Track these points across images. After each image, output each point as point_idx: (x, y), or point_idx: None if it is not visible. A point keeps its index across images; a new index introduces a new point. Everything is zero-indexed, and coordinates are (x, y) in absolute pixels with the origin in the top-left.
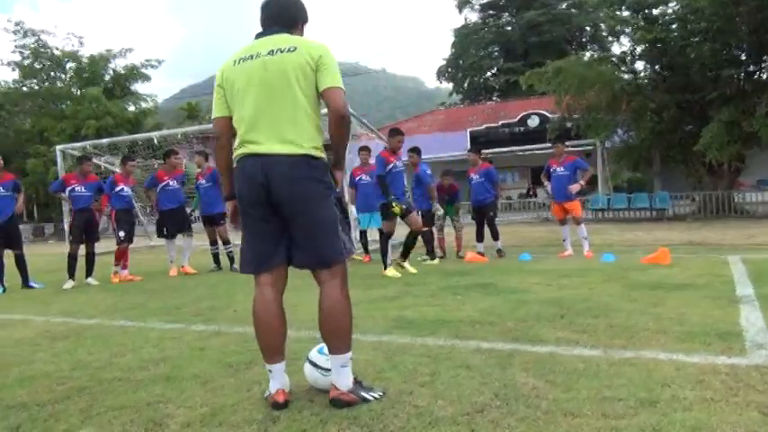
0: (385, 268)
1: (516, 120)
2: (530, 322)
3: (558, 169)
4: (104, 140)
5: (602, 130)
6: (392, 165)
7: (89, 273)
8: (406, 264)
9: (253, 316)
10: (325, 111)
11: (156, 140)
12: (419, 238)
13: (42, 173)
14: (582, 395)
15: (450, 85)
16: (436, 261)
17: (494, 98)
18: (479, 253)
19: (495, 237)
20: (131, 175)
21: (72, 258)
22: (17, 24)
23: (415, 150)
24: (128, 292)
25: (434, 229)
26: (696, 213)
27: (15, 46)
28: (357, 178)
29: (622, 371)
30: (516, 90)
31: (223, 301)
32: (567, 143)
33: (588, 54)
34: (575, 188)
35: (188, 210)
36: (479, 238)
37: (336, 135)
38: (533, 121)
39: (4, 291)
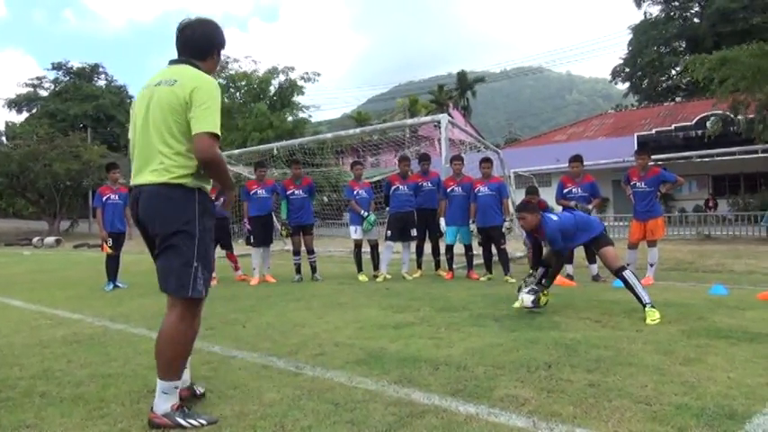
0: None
1: (693, 123)
2: (504, 370)
3: (638, 184)
4: (236, 151)
5: None
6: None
7: None
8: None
9: None
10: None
11: (275, 150)
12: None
13: None
14: None
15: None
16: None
17: (677, 99)
18: (568, 276)
19: (592, 260)
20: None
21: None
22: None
23: (488, 160)
24: None
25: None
26: None
27: None
28: (449, 189)
29: None
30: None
31: (247, 315)
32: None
33: None
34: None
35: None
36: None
37: (210, 175)
38: (713, 124)
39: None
